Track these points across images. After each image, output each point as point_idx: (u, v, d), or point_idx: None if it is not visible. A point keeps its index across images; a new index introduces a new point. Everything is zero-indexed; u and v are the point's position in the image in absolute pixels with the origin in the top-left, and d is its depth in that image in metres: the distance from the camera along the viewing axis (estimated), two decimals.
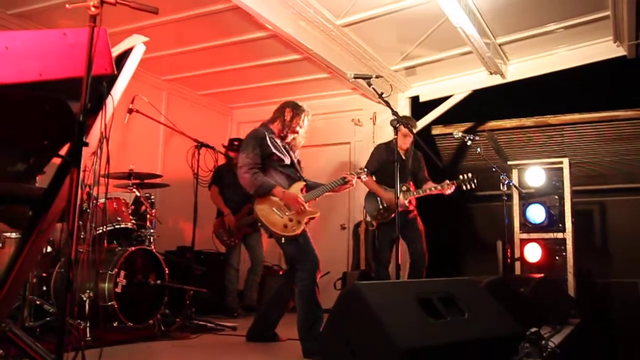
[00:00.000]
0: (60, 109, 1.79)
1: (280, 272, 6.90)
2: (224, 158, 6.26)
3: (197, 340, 4.43)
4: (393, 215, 5.22)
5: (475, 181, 5.22)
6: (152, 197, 5.15)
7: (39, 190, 2.34)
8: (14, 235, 4.07)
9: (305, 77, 7.06)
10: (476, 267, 7.73)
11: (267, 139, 4.14)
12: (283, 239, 3.97)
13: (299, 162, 4.35)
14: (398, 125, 4.01)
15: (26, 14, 5.49)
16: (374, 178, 5.48)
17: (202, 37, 5.98)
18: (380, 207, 5.42)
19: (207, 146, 5.20)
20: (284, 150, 4.23)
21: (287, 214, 3.99)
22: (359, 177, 4.37)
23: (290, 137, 4.29)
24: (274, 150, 4.12)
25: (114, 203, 4.67)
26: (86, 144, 1.90)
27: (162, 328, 4.61)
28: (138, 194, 4.96)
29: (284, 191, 4.04)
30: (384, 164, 5.38)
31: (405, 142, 5.46)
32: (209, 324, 5.03)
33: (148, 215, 5.01)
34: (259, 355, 3.97)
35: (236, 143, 6.26)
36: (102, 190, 4.95)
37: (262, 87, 7.50)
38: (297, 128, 4.27)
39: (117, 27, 5.22)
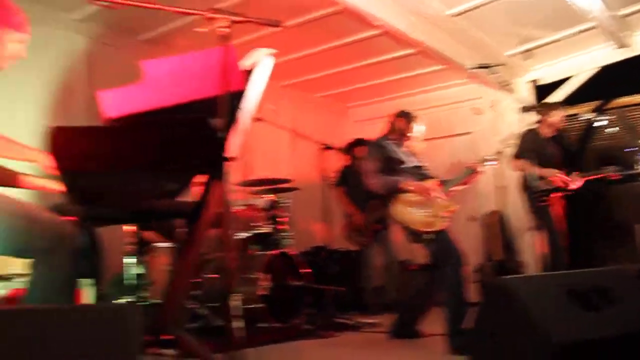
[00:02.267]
0: (205, 129, 1.93)
1: (414, 267, 6.87)
2: (349, 158, 6.35)
3: (342, 338, 4.53)
4: (547, 199, 5.29)
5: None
6: (286, 201, 5.32)
7: (190, 204, 2.53)
8: (165, 245, 4.43)
9: (420, 70, 6.97)
10: (611, 253, 7.24)
11: (387, 144, 4.23)
12: (427, 235, 3.97)
13: (424, 166, 4.38)
14: (530, 111, 3.90)
15: (153, 39, 5.88)
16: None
17: (314, 41, 6.09)
18: (542, 188, 5.33)
19: (332, 148, 5.31)
20: (406, 155, 4.27)
21: (424, 210, 4.00)
22: (486, 165, 4.32)
23: (406, 145, 4.36)
24: (395, 154, 4.20)
25: (250, 210, 4.89)
26: (228, 160, 2.02)
27: (307, 327, 4.76)
28: (271, 199, 5.16)
29: (412, 182, 4.06)
30: (531, 151, 5.30)
31: (550, 131, 5.42)
32: (349, 322, 5.13)
33: (282, 219, 5.19)
34: (406, 351, 4.01)
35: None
36: (239, 198, 5.25)
37: (377, 84, 7.52)
38: (409, 134, 4.34)
39: (235, 39, 5.43)
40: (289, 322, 4.69)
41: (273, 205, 5.20)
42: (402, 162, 4.21)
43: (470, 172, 4.23)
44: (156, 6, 2.18)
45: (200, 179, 2.37)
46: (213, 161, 1.97)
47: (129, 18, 5.22)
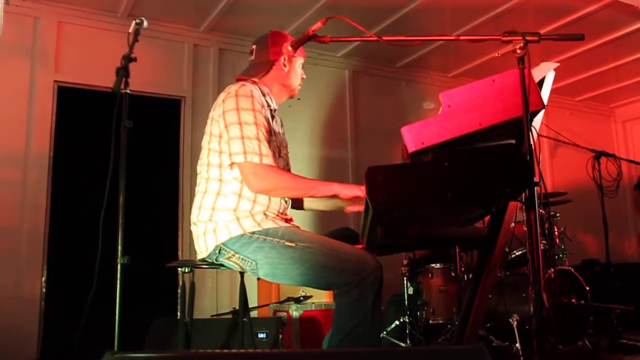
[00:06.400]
0: (515, 155, 1.89)
1: None
2: None
3: None
4: None
5: None
6: (557, 214, 5.04)
7: (484, 230, 2.50)
8: (438, 265, 4.48)
9: None
10: None
11: None
12: None
13: None
14: None
15: (408, 63, 6.07)
16: None
17: (575, 43, 5.73)
18: None
19: (607, 155, 4.92)
20: None
21: None
22: None
23: None
24: None
25: (523, 226, 4.70)
26: (538, 184, 1.95)
27: (592, 349, 4.42)
28: (543, 213, 4.92)
29: None
30: None
31: None
32: (639, 344, 4.66)
33: (556, 233, 4.91)
34: None
35: None
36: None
37: None
38: None
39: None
40: (572, 343, 4.40)
41: (544, 219, 4.95)
42: None
43: None
44: (451, 38, 2.21)
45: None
46: (522, 187, 1.92)
47: (387, 49, 5.45)
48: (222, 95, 2.52)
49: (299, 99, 2.86)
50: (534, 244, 1.99)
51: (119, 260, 2.32)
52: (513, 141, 2.26)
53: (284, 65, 2.68)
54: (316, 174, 5.57)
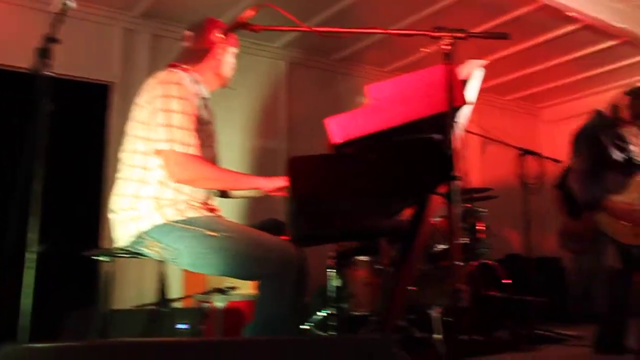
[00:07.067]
0: (434, 148, 1.92)
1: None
2: None
3: (545, 352, 4.29)
4: None
5: None
6: (481, 210, 5.16)
7: (405, 224, 2.54)
8: (364, 258, 4.53)
9: (625, 61, 6.43)
10: None
11: (603, 135, 3.79)
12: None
13: None
14: None
15: (345, 57, 6.09)
16: None
17: (508, 42, 5.87)
18: None
19: (532, 153, 5.08)
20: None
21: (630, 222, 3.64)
22: None
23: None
24: (611, 149, 3.76)
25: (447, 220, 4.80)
26: (458, 178, 1.98)
27: (509, 340, 4.57)
28: (467, 207, 5.04)
29: (612, 205, 3.70)
30: None
31: None
32: (552, 334, 4.85)
33: (479, 228, 5.04)
34: None
35: None
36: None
37: (572, 82, 7.11)
38: None
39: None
40: (489, 334, 4.54)
41: (469, 214, 5.07)
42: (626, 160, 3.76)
43: None
44: (381, 31, 2.21)
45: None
46: (442, 180, 1.95)
47: (325, 41, 5.47)
48: (150, 81, 2.45)
49: (234, 89, 2.81)
50: (452, 235, 2.03)
51: (29, 249, 2.22)
52: (440, 136, 2.30)
53: (218, 54, 2.63)
54: (249, 164, 5.51)
